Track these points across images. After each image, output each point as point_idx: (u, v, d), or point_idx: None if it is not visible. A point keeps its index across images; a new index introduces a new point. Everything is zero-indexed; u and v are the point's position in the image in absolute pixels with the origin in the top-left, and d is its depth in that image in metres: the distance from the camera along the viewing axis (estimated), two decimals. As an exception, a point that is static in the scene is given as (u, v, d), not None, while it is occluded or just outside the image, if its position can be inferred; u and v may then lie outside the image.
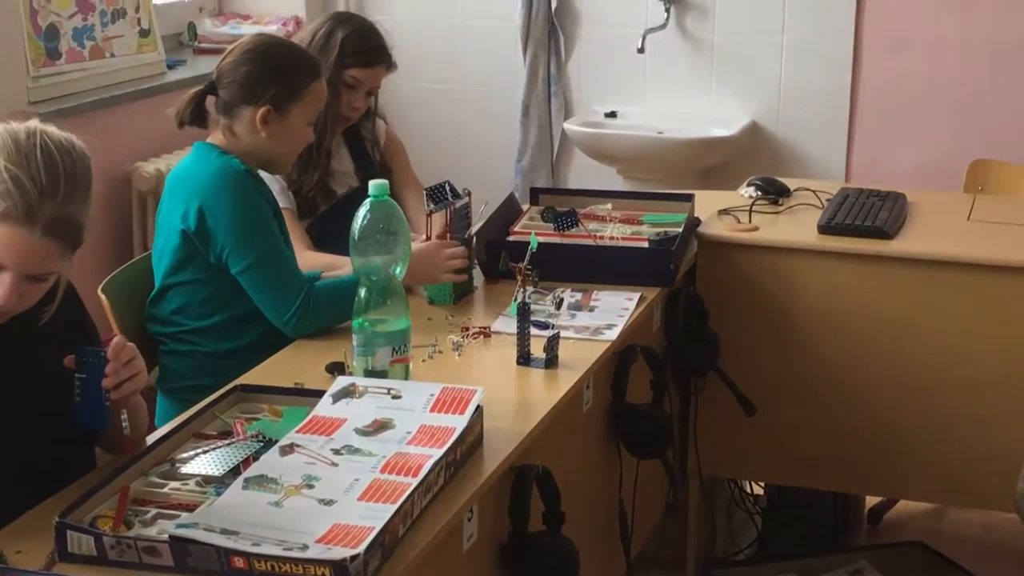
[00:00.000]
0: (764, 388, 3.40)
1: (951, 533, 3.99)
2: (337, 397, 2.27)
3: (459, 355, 2.71)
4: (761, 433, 3.44)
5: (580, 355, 2.69)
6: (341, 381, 2.32)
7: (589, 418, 2.75)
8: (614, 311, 2.92)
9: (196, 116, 2.99)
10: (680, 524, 3.51)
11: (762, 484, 3.86)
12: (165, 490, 2.06)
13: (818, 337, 3.39)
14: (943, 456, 3.35)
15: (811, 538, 3.77)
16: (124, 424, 2.18)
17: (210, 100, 2.98)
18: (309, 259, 3.18)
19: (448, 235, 3.02)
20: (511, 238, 3.25)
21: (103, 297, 2.97)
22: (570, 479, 2.45)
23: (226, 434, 2.25)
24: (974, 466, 3.33)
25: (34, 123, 2.09)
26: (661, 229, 3.29)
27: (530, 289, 2.69)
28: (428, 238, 3.01)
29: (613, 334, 2.81)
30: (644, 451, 2.92)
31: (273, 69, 2.94)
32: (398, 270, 2.43)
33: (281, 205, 3.18)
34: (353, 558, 1.76)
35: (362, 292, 2.44)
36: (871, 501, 4.05)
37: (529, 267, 2.68)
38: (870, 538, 3.98)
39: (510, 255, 2.83)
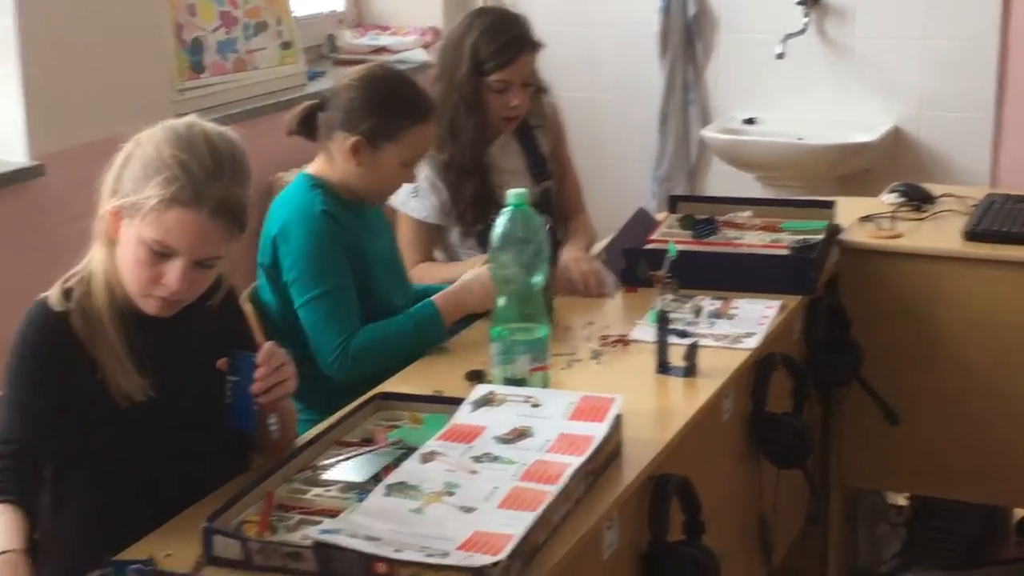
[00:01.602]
0: (908, 397, 3.35)
1: (1102, 547, 3.89)
2: (477, 405, 2.27)
3: (598, 363, 2.71)
4: (905, 443, 3.38)
5: (719, 364, 2.67)
6: (480, 389, 2.33)
7: (729, 427, 2.73)
8: (754, 319, 2.89)
9: (304, 128, 2.97)
10: (821, 535, 3.47)
11: (906, 495, 3.80)
12: (308, 496, 2.09)
13: (964, 345, 3.32)
14: (1095, 468, 3.27)
15: (956, 551, 3.71)
16: (273, 428, 2.22)
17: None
18: (426, 271, 3.23)
19: None
20: (649, 246, 3.24)
21: (248, 306, 3.01)
22: (710, 489, 2.43)
23: (367, 441, 2.28)
24: None
25: (191, 118, 2.16)
26: (801, 236, 3.25)
27: (669, 297, 2.68)
28: None
29: (753, 342, 2.78)
30: (785, 461, 2.88)
31: (375, 103, 2.88)
32: (537, 279, 2.44)
33: (418, 216, 3.22)
34: (495, 564, 1.77)
35: (501, 301, 2.45)
36: (1019, 513, 3.95)
37: (668, 275, 2.67)
38: (1018, 551, 3.89)
39: (648, 263, 2.82)
